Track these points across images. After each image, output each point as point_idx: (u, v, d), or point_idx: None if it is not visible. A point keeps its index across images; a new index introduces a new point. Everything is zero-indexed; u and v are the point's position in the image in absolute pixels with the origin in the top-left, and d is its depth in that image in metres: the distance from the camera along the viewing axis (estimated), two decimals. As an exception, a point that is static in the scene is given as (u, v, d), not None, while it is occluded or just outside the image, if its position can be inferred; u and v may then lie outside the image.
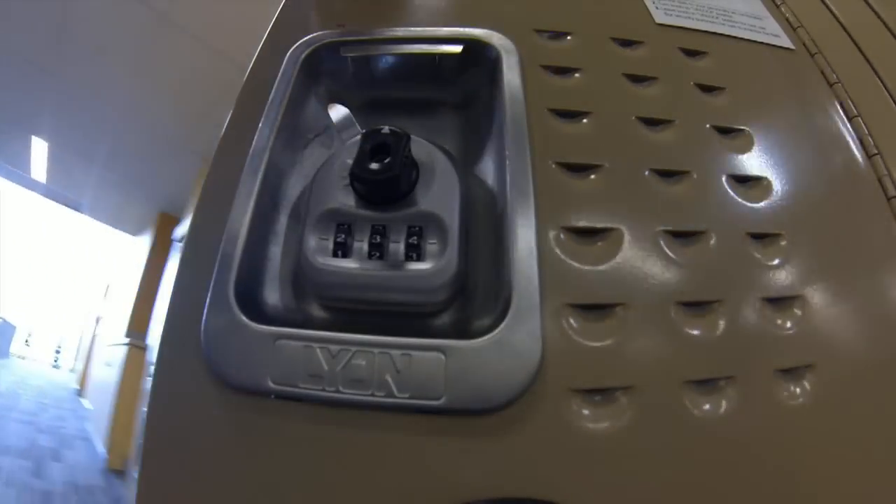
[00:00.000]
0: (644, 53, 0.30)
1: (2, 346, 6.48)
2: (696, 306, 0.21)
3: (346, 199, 0.24)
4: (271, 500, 0.20)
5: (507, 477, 0.19)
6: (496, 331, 0.20)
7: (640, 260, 0.22)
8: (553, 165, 0.25)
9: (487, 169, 0.27)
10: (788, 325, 0.21)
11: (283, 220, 0.26)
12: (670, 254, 0.22)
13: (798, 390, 0.20)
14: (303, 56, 0.29)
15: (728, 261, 0.22)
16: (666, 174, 0.25)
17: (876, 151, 0.28)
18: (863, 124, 0.29)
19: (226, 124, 0.29)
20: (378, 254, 0.23)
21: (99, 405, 3.07)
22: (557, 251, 0.22)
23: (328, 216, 0.24)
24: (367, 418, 0.20)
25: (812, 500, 0.19)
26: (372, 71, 0.31)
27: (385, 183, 0.22)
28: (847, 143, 0.29)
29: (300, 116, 0.29)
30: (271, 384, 0.20)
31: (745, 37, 0.33)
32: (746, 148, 0.27)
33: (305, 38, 0.29)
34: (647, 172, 0.25)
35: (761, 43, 0.33)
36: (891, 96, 0.31)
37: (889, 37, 0.35)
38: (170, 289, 0.24)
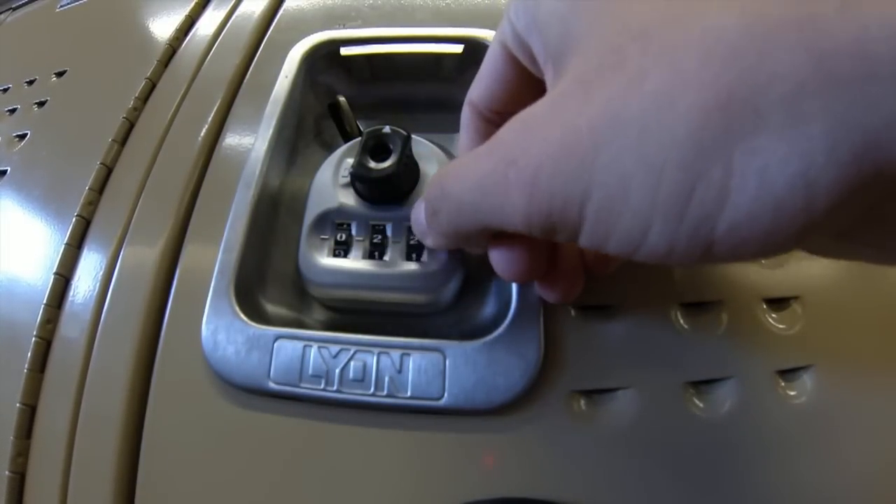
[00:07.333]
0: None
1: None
2: (697, 306, 0.21)
3: (346, 199, 0.24)
4: (271, 500, 0.20)
5: (508, 477, 0.19)
6: (497, 331, 0.20)
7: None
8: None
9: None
10: (788, 325, 0.21)
11: (282, 220, 0.26)
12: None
13: (798, 390, 0.20)
14: (303, 55, 0.29)
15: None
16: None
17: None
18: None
19: (226, 123, 0.29)
20: (378, 254, 0.23)
21: None
22: (558, 251, 0.22)
23: (328, 216, 0.24)
24: (367, 418, 0.20)
25: (812, 500, 0.19)
26: (372, 70, 0.31)
27: (386, 182, 0.22)
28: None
29: (300, 116, 0.29)
30: (271, 384, 0.20)
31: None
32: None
33: (305, 38, 0.29)
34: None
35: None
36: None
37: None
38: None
